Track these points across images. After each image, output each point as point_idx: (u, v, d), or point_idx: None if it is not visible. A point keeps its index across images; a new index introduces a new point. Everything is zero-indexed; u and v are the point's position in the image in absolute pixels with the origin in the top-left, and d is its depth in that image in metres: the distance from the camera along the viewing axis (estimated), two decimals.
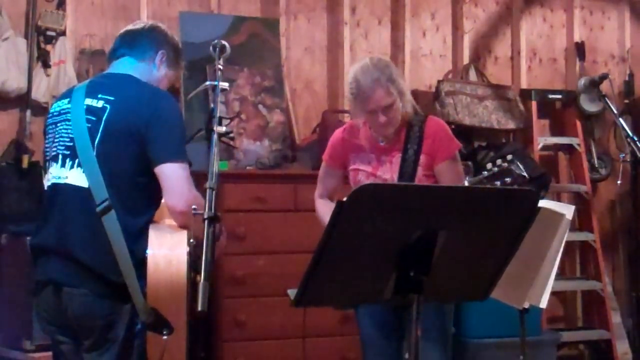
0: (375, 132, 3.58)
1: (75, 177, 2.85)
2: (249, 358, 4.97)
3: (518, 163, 3.32)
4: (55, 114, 3.01)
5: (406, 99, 3.53)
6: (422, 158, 3.53)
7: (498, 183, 3.32)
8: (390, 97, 3.45)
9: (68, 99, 2.99)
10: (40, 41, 5.09)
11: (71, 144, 2.88)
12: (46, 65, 5.08)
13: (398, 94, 3.48)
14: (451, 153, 3.58)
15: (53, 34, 5.10)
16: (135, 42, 3.05)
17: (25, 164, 4.95)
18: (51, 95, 5.06)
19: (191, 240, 2.74)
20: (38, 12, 5.10)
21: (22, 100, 5.06)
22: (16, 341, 4.59)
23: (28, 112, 5.03)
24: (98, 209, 2.77)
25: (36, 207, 4.90)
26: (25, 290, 4.48)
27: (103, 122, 2.85)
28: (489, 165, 3.37)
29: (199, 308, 2.27)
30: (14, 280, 4.69)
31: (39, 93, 5.06)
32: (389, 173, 3.56)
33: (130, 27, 3.13)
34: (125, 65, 3.03)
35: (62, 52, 5.11)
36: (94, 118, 2.87)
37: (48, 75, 5.08)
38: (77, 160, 2.86)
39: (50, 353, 3.08)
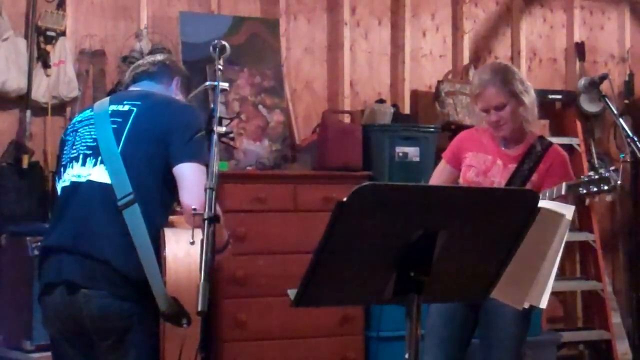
0: (493, 132, 3.65)
1: (99, 174, 2.85)
2: (249, 358, 4.97)
3: (618, 174, 3.36)
4: (75, 123, 3.04)
5: (525, 105, 3.58)
6: (534, 177, 3.59)
7: (595, 189, 3.34)
8: (500, 97, 3.54)
9: (90, 109, 3.04)
10: (40, 41, 5.09)
11: (94, 144, 2.90)
12: (46, 65, 5.08)
13: (512, 96, 3.55)
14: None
15: (53, 34, 5.10)
16: (152, 70, 3.14)
17: (25, 164, 4.96)
18: (51, 96, 5.07)
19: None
20: (38, 12, 5.10)
21: (22, 101, 5.06)
22: (16, 341, 4.58)
23: (28, 113, 5.03)
24: (120, 203, 2.77)
25: (36, 207, 4.92)
26: (26, 290, 4.49)
27: (130, 122, 2.89)
28: (591, 173, 3.40)
29: (199, 308, 2.26)
30: (14, 280, 4.69)
31: (39, 93, 5.06)
32: (498, 177, 3.62)
33: (141, 61, 3.21)
34: (145, 86, 3.10)
35: (62, 52, 5.11)
36: (119, 119, 2.91)
37: (48, 76, 5.08)
38: (99, 158, 2.87)
39: (49, 353, 3.04)
